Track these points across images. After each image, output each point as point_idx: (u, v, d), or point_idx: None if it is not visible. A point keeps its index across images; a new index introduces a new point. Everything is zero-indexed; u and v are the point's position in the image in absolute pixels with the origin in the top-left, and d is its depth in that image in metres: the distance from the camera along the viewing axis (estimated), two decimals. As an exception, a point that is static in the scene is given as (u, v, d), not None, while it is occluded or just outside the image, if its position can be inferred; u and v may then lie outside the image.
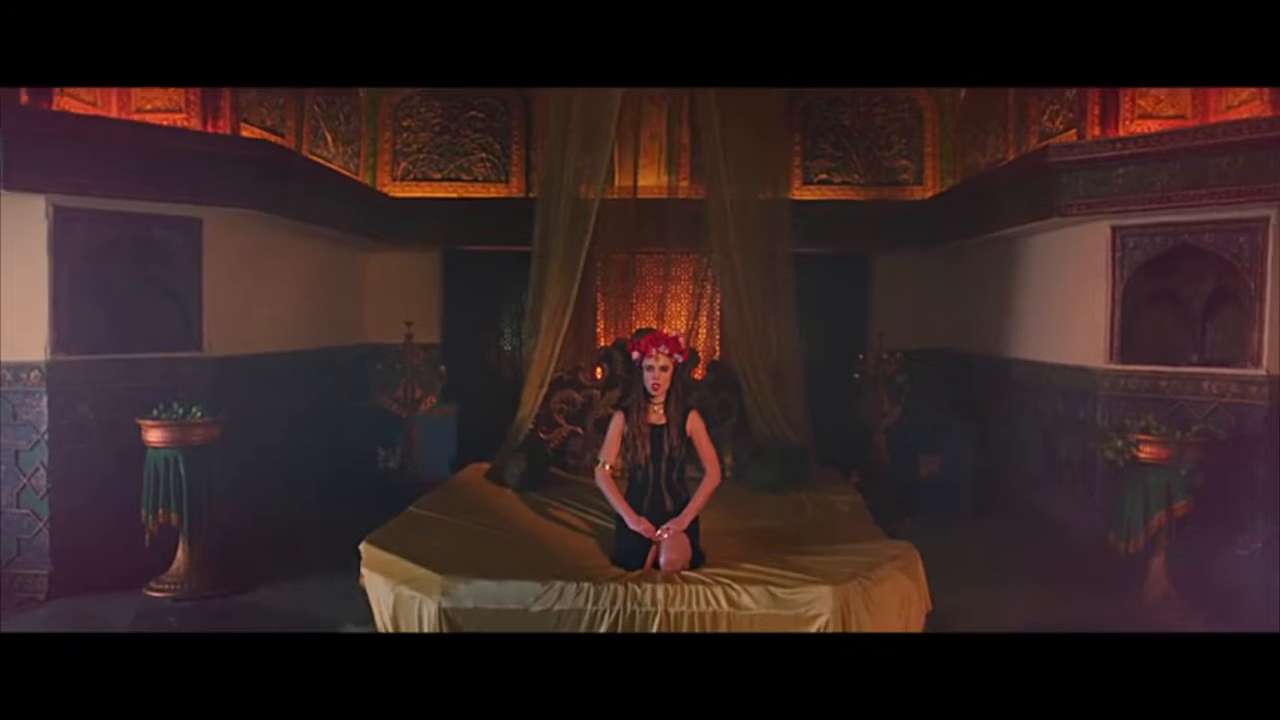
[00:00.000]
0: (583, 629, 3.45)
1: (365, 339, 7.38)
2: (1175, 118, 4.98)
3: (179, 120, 5.13)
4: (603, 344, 6.76)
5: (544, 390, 5.87)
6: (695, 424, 4.04)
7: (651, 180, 7.07)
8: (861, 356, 6.47)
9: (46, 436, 4.72)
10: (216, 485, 4.87)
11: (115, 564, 4.75)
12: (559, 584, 3.51)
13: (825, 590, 3.42)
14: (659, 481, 3.98)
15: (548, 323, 5.78)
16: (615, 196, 6.62)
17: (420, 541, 4.00)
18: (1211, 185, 4.58)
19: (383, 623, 3.64)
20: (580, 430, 6.16)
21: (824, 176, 7.37)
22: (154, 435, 4.73)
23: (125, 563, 4.75)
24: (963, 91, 6.99)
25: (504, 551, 4.01)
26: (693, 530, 3.88)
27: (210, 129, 5.15)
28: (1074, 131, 5.27)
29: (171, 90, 5.11)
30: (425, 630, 3.48)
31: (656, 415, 4.02)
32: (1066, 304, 5.58)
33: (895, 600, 3.63)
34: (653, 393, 4.01)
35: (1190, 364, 4.92)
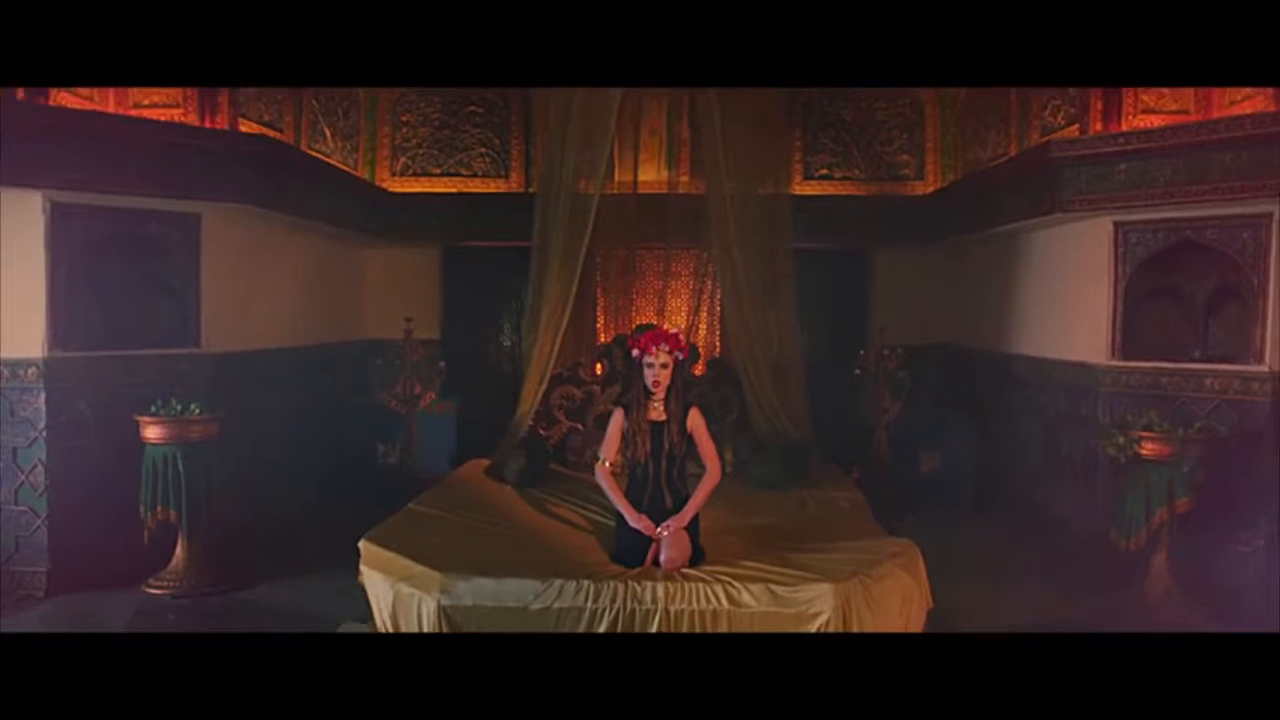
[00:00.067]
0: (582, 627, 3.44)
1: (364, 335, 7.36)
2: (1178, 113, 4.94)
3: (176, 115, 5.09)
4: (603, 340, 6.75)
5: (544, 386, 5.86)
6: (695, 420, 4.03)
7: (651, 175, 7.04)
8: (862, 352, 6.46)
9: (44, 433, 4.71)
10: (215, 482, 4.86)
11: (114, 561, 4.74)
12: (559, 581, 3.50)
13: (826, 588, 3.41)
14: (659, 478, 3.96)
15: (547, 318, 5.77)
16: (615, 191, 6.59)
17: (420, 538, 3.99)
18: (1214, 181, 4.56)
19: (382, 620, 3.63)
20: (580, 426, 6.15)
21: (825, 171, 7.33)
22: (152, 432, 4.72)
23: (124, 560, 4.74)
24: (964, 88, 6.96)
25: (504, 548, 4.00)
26: (693, 527, 3.88)
27: (208, 124, 5.12)
28: (1076, 126, 5.24)
29: (169, 86, 5.09)
30: (424, 627, 3.47)
31: (657, 412, 4.01)
32: (1068, 300, 5.56)
33: (896, 598, 3.62)
34: (653, 389, 3.99)
35: (1193, 360, 4.90)
